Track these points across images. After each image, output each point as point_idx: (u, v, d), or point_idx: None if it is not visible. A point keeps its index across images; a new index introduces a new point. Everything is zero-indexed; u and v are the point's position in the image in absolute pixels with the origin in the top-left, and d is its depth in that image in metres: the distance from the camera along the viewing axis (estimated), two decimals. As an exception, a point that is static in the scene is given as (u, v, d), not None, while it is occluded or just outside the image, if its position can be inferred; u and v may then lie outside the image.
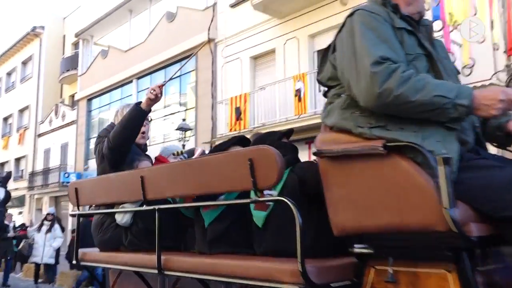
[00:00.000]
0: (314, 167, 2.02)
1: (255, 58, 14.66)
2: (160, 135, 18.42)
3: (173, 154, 3.22)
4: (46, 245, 11.13)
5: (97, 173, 3.22)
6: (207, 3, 16.63)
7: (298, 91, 11.65)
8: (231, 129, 13.50)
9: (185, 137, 14.35)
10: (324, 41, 12.79)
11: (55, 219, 11.79)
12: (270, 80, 13.39)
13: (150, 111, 3.02)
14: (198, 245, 2.52)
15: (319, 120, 9.35)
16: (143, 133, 3.30)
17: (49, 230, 11.25)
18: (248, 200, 2.05)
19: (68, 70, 26.19)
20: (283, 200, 1.81)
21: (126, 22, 21.62)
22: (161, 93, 2.96)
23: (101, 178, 3.07)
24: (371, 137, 1.73)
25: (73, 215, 3.76)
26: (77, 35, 24.63)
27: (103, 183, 3.01)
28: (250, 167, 1.85)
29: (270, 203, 2.16)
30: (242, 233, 2.36)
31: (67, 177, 22.49)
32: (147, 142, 3.59)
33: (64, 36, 28.67)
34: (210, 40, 15.73)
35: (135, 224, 2.87)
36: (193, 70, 16.75)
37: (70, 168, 23.69)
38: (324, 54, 2.06)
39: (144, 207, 2.54)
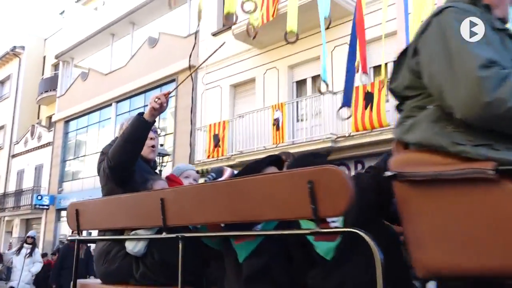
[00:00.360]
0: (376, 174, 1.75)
1: (235, 86, 14.81)
2: (137, 160, 18.25)
3: (198, 173, 2.84)
4: (25, 270, 10.77)
5: (102, 195, 2.87)
6: (189, 30, 16.82)
7: (276, 121, 11.76)
8: (208, 156, 13.51)
9: (162, 162, 14.28)
10: (303, 72, 13.05)
11: (35, 242, 11.46)
12: (249, 108, 13.52)
13: (154, 122, 2.69)
14: (230, 283, 2.16)
15: (296, 150, 9.45)
16: (153, 146, 3.00)
17: (29, 255, 10.89)
18: (306, 231, 1.70)
19: (46, 91, 25.94)
20: (355, 232, 1.48)
21: (108, 45, 21.65)
22: (166, 102, 2.63)
23: (109, 199, 2.67)
24: (474, 157, 1.42)
25: (71, 241, 3.35)
26: (57, 57, 24.52)
27: (111, 205, 2.61)
28: (310, 191, 1.53)
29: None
30: (284, 269, 2.04)
31: (40, 199, 22.04)
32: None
33: (44, 57, 28.50)
34: (191, 67, 15.84)
35: (149, 254, 2.49)
36: (173, 96, 16.79)
37: (44, 191, 23.20)
38: (398, 61, 1.76)
39: (164, 235, 2.17)
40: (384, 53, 3.55)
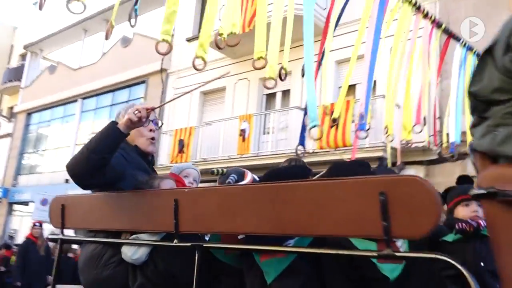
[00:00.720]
0: None
1: (205, 93, 14.80)
2: (99, 159, 17.98)
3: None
4: None
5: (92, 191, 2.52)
6: (164, 33, 16.74)
7: (243, 131, 11.80)
8: (172, 161, 13.40)
9: (124, 164, 14.10)
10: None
11: None
12: (217, 116, 13.53)
13: (128, 134, 2.31)
14: None
15: (261, 162, 9.45)
16: (153, 139, 2.66)
17: None
18: (373, 253, 1.42)
19: (10, 81, 25.23)
20: (446, 261, 1.20)
21: (79, 40, 21.30)
22: (147, 118, 2.32)
23: (106, 195, 2.31)
24: None
25: (52, 240, 2.86)
26: (26, 47, 23.93)
27: (108, 203, 2.26)
28: (382, 204, 1.27)
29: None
30: None
31: (-7, 191, 21.30)
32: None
33: (12, 46, 27.77)
34: (162, 70, 15.78)
35: (151, 263, 2.12)
36: (142, 97, 16.63)
37: (-3, 183, 22.48)
38: (482, 60, 1.49)
39: (176, 243, 1.87)
40: (351, 75, 3.65)
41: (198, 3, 15.70)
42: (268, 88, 2.49)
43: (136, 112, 2.25)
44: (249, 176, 2.37)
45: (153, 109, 2.36)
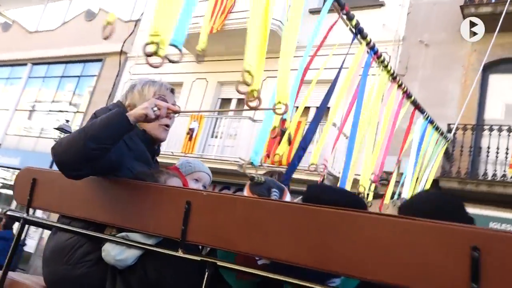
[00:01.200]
0: None
1: (161, 85, 14.61)
2: (37, 129, 17.28)
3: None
4: None
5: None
6: (132, 16, 16.42)
7: (191, 130, 11.71)
8: (114, 146, 13.11)
9: (63, 139, 13.60)
10: (231, 92, 13.19)
11: None
12: (168, 110, 13.37)
13: (135, 127, 1.98)
14: None
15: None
16: (167, 126, 2.32)
17: None
18: None
19: (-41, 30, 23.89)
20: None
21: (42, 4, 20.51)
22: (164, 117, 2.03)
23: (94, 179, 1.93)
24: None
25: (14, 218, 2.20)
26: (-18, -2, 22.78)
27: (96, 188, 1.92)
28: (473, 262, 1.06)
29: None
30: None
31: None
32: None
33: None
34: (122, 53, 15.43)
35: (140, 270, 1.77)
36: (95, 75, 16.18)
37: None
38: None
39: (181, 253, 1.57)
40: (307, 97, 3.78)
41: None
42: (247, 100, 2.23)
43: (155, 109, 1.94)
44: (287, 197, 2.00)
45: (175, 112, 2.06)
